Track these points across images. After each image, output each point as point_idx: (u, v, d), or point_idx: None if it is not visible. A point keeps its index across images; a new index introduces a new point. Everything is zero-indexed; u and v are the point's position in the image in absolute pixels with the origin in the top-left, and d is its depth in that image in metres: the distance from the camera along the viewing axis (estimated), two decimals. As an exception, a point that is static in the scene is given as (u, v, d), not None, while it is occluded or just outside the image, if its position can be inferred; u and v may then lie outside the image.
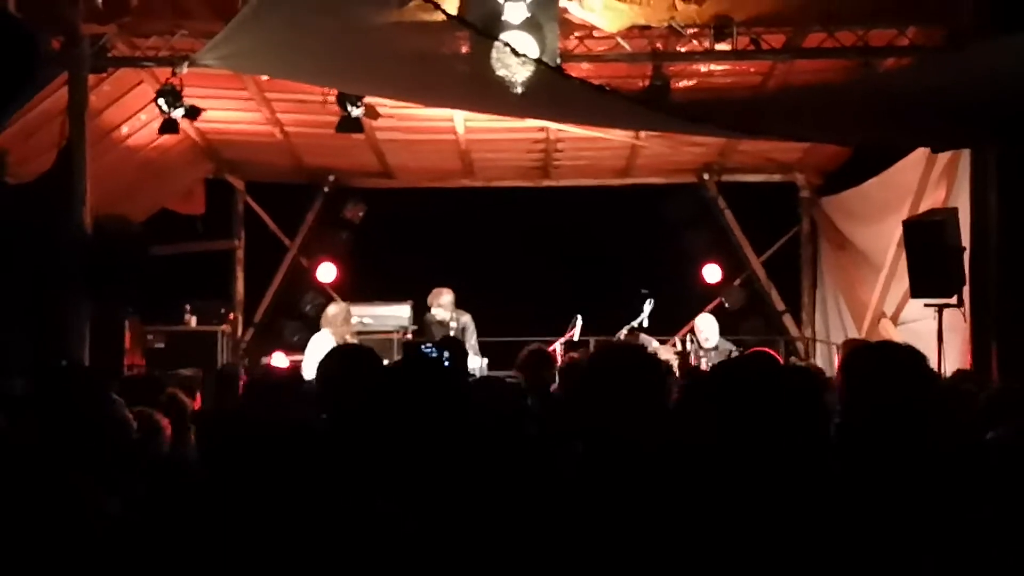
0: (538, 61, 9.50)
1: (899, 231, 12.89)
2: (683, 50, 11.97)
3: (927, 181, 13.02)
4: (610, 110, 10.86)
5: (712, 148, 16.15)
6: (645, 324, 13.63)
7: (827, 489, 3.34)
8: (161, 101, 12.36)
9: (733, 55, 11.79)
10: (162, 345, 15.09)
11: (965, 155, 11.83)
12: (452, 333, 13.26)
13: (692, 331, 14.09)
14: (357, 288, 16.48)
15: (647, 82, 11.92)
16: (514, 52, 9.01)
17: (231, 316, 16.66)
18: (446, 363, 5.21)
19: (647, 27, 11.46)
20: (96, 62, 11.75)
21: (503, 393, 4.94)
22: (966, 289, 11.33)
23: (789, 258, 17.50)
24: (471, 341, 13.49)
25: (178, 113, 12.49)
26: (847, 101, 10.07)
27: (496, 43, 9.26)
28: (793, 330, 17.05)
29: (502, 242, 17.04)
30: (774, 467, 3.34)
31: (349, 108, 12.72)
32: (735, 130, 11.83)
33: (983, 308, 11.18)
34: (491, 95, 10.14)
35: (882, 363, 3.75)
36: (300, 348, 13.67)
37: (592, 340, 14.25)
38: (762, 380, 3.55)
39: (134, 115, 13.86)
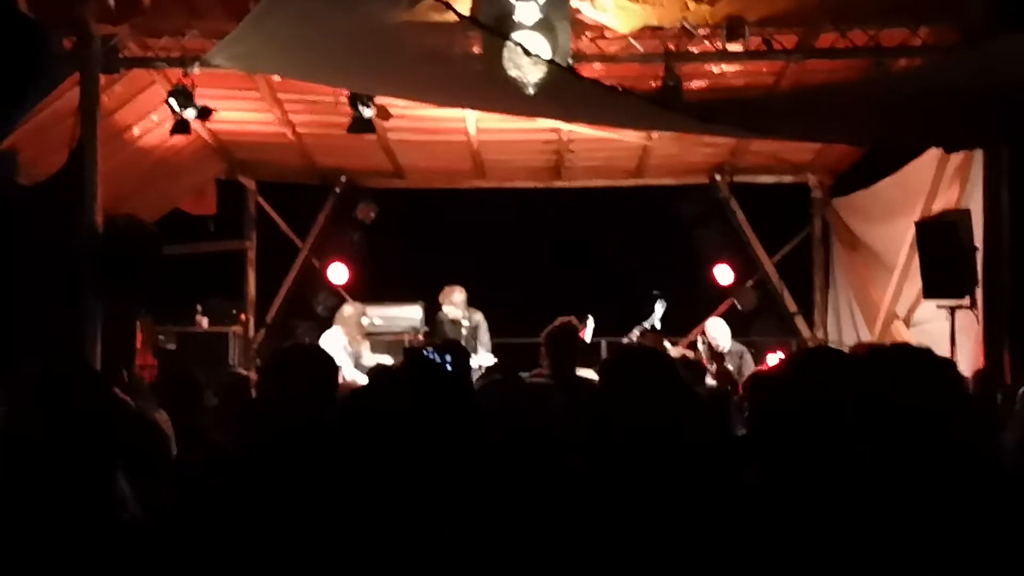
0: (550, 61, 9.49)
1: (911, 232, 12.87)
2: (695, 50, 11.95)
3: (939, 182, 13.00)
4: (622, 110, 10.85)
5: (724, 149, 16.14)
6: (657, 325, 13.60)
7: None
8: (173, 102, 12.38)
9: (745, 55, 11.80)
10: (173, 346, 15.12)
11: (978, 155, 11.80)
12: (464, 331, 13.28)
13: (703, 332, 14.06)
14: (368, 289, 16.48)
15: (659, 82, 11.90)
16: (526, 52, 9.00)
17: (242, 317, 16.68)
18: (448, 367, 5.15)
19: (659, 27, 11.46)
20: (108, 62, 11.77)
21: (525, 404, 4.81)
22: (979, 290, 11.32)
23: (801, 259, 17.48)
24: (484, 339, 13.52)
25: (190, 114, 12.50)
26: (859, 101, 10.05)
27: (508, 43, 9.25)
28: (805, 331, 17.01)
29: (514, 243, 17.03)
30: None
31: (361, 109, 12.71)
32: (747, 130, 11.81)
33: (996, 309, 11.15)
34: (503, 95, 10.13)
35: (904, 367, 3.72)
36: (312, 348, 13.66)
37: (604, 341, 14.25)
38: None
39: (146, 115, 13.86)
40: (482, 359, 13.19)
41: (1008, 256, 11.07)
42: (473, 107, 13.33)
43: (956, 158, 12.46)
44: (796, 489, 3.41)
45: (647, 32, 11.52)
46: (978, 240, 11.36)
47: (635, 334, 13.40)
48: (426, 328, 15.21)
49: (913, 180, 13.62)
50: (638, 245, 16.84)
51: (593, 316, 13.42)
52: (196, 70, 11.68)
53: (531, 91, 9.42)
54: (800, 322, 17.11)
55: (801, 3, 11.00)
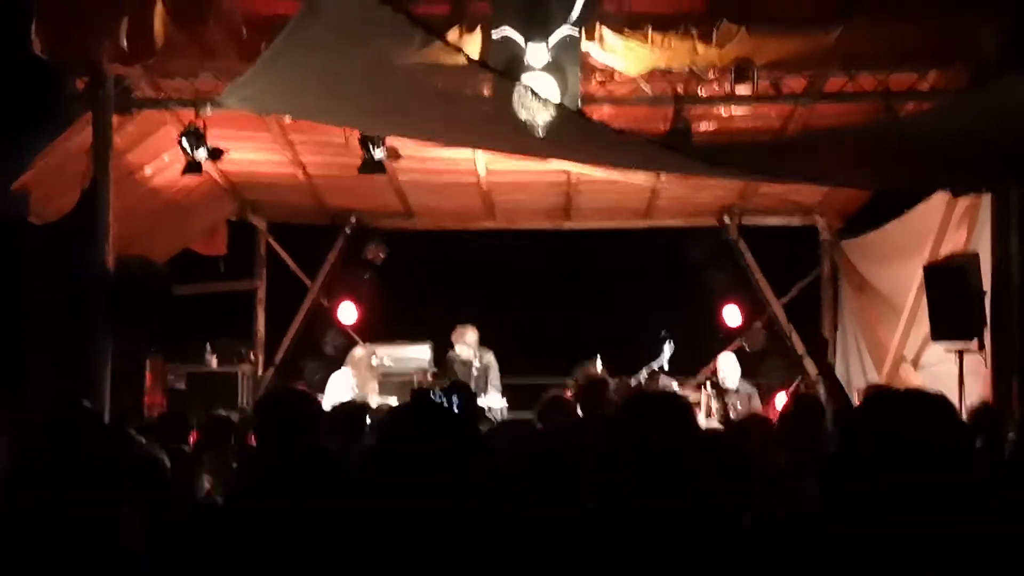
0: (559, 104, 9.55)
1: (919, 274, 12.87)
2: (704, 93, 12.01)
3: (947, 224, 13.00)
4: (631, 153, 10.89)
5: (733, 191, 16.17)
6: (665, 366, 13.61)
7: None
8: (185, 142, 12.41)
9: (754, 99, 11.84)
10: (183, 385, 15.14)
11: (986, 199, 11.81)
12: (475, 372, 13.30)
13: (714, 372, 14.06)
14: (378, 329, 16.51)
15: (668, 125, 11.94)
16: (535, 95, 9.05)
17: (252, 356, 16.70)
18: (455, 409, 5.16)
19: (668, 70, 11.50)
20: (121, 103, 11.84)
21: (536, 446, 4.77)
22: (987, 333, 11.31)
23: (810, 301, 17.48)
24: (494, 380, 13.52)
25: (201, 154, 12.52)
26: (868, 145, 10.08)
27: (518, 86, 9.31)
28: (814, 373, 16.99)
29: (523, 284, 17.05)
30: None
31: (371, 150, 12.73)
32: (756, 174, 11.85)
33: (1004, 353, 11.15)
34: (513, 137, 10.18)
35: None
36: (320, 388, 13.70)
37: (612, 381, 14.24)
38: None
39: (158, 156, 13.92)
40: (492, 400, 13.20)
41: (1017, 300, 11.07)
42: (484, 148, 13.37)
43: (964, 201, 12.47)
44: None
45: (656, 75, 11.55)
46: (986, 284, 11.36)
47: (643, 375, 13.39)
48: (435, 368, 15.22)
49: (921, 223, 13.63)
50: (647, 286, 16.85)
51: (601, 357, 13.43)
52: (208, 111, 11.74)
53: (541, 133, 9.46)
54: (809, 363, 17.09)
55: (810, 47, 11.03)
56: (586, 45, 10.81)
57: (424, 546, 3.52)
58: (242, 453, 7.61)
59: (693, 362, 15.60)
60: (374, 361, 13.24)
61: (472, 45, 10.40)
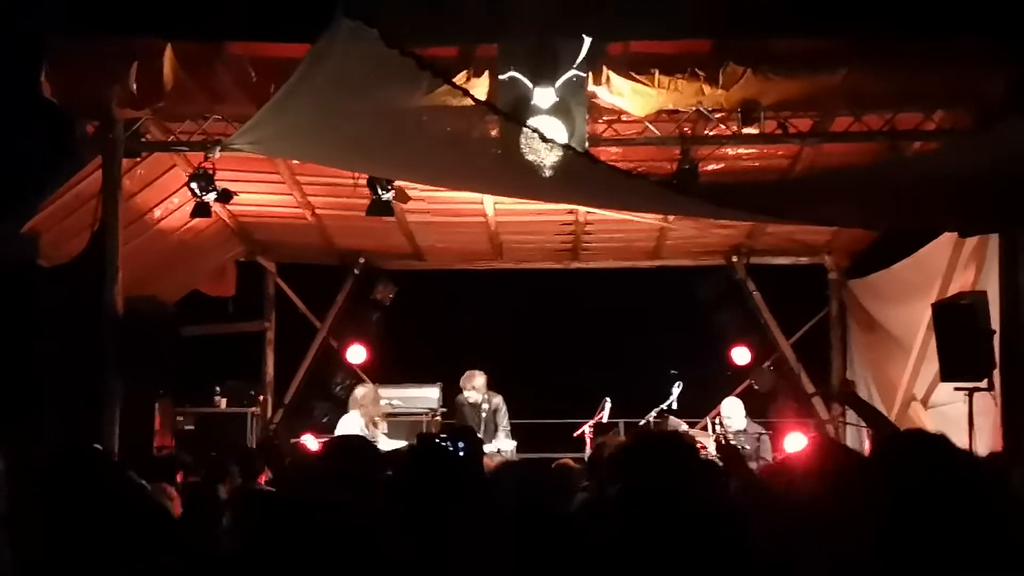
0: (566, 146, 9.56)
1: (928, 313, 12.85)
2: (711, 133, 12.05)
3: (956, 264, 13.00)
4: (639, 194, 10.91)
5: (741, 230, 16.17)
6: (674, 406, 13.59)
7: None
8: (194, 185, 12.44)
9: (761, 139, 11.86)
10: (192, 427, 15.14)
11: (993, 237, 11.80)
12: (484, 415, 13.32)
13: (718, 415, 14.06)
14: (387, 370, 16.51)
15: (675, 165, 11.98)
16: (542, 138, 9.07)
17: (261, 397, 16.69)
18: (460, 454, 5.16)
19: (675, 111, 11.53)
20: (131, 146, 11.88)
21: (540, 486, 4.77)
22: (996, 372, 11.28)
23: (819, 340, 17.44)
24: (503, 423, 13.53)
25: (210, 197, 12.56)
26: (874, 185, 10.08)
27: (525, 129, 9.34)
28: (823, 413, 16.95)
29: (531, 324, 17.09)
30: None
31: (380, 191, 12.76)
32: (763, 214, 11.85)
33: (1014, 391, 11.11)
34: (520, 180, 10.21)
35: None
36: (330, 429, 13.71)
37: (621, 423, 14.24)
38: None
39: (167, 198, 13.98)
40: (501, 443, 13.20)
41: (1025, 338, 11.06)
42: (491, 192, 13.42)
43: (972, 240, 12.47)
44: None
45: (663, 115, 11.58)
46: (995, 322, 11.35)
47: (652, 416, 13.38)
48: (443, 409, 15.22)
49: (929, 262, 13.63)
50: (655, 326, 16.86)
51: (610, 397, 13.44)
52: (217, 154, 11.77)
53: (548, 173, 9.48)
54: (818, 403, 17.06)
55: (816, 88, 11.06)
56: (593, 86, 10.84)
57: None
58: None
59: (702, 402, 15.57)
60: (382, 402, 13.24)
61: (480, 89, 10.43)
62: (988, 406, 11.41)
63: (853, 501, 3.66)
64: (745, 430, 13.25)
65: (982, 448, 10.74)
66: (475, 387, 13.45)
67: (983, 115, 10.98)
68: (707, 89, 11.01)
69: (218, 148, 11.53)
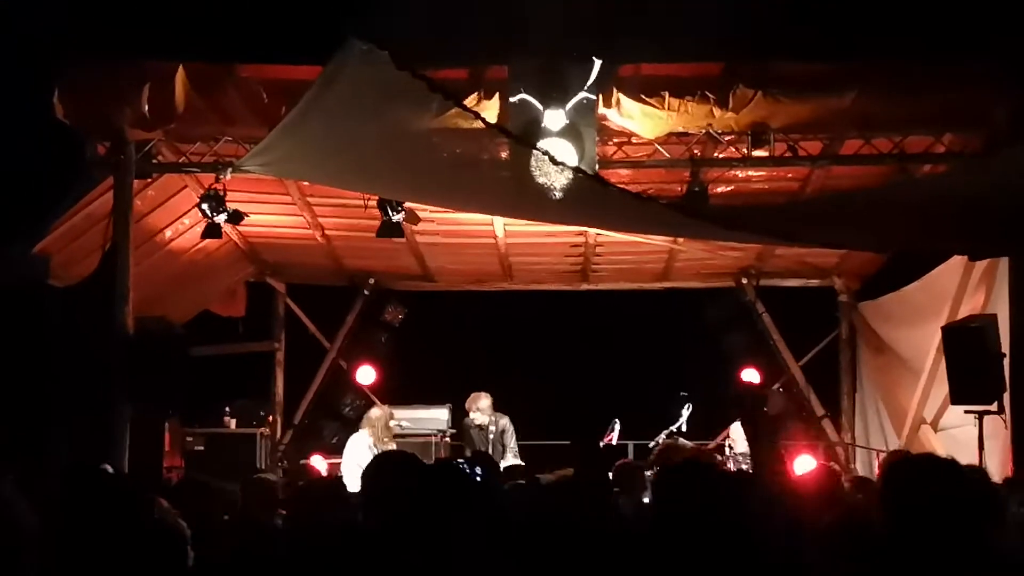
0: (576, 169, 9.57)
1: (938, 336, 12.84)
2: (721, 156, 12.06)
3: (966, 287, 13.00)
4: (648, 216, 10.91)
5: (750, 252, 16.18)
6: (684, 428, 13.56)
7: None
8: (205, 206, 12.49)
9: (770, 161, 11.85)
10: (201, 447, 15.13)
11: (1004, 261, 11.80)
12: (491, 436, 13.30)
13: (727, 438, 14.02)
14: (396, 390, 16.51)
15: (685, 188, 12.00)
16: (553, 160, 9.08)
17: (270, 418, 16.69)
18: (478, 479, 5.16)
19: (685, 133, 11.55)
20: (142, 167, 11.91)
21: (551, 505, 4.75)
22: (1006, 395, 11.26)
23: (828, 362, 17.42)
24: (510, 444, 13.52)
25: (221, 218, 12.60)
26: (884, 208, 10.09)
27: (535, 151, 9.35)
28: (833, 435, 16.93)
29: (541, 345, 17.09)
30: None
31: (390, 213, 12.78)
32: (772, 237, 11.85)
33: (1024, 415, 11.10)
34: (531, 202, 10.22)
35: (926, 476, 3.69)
36: (339, 450, 13.70)
37: (631, 444, 14.23)
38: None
39: (178, 219, 14.02)
40: (510, 464, 13.18)
41: (1035, 361, 11.05)
42: (501, 214, 13.44)
43: (982, 264, 12.47)
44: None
45: (673, 138, 11.60)
46: (1005, 345, 11.34)
47: (661, 438, 13.36)
48: (453, 430, 15.21)
49: (939, 285, 13.63)
50: (665, 348, 16.85)
51: (619, 419, 13.42)
52: (228, 176, 11.79)
53: (558, 196, 9.49)
54: (828, 425, 17.02)
55: (825, 111, 11.06)
56: (603, 109, 10.86)
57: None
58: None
59: (712, 424, 15.55)
60: (392, 423, 13.24)
61: (490, 111, 10.45)
62: (998, 429, 11.40)
63: (857, 524, 3.67)
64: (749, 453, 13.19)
65: (993, 470, 10.73)
66: (480, 409, 13.43)
67: (992, 138, 10.98)
68: (717, 112, 11.02)
69: (229, 169, 11.55)
